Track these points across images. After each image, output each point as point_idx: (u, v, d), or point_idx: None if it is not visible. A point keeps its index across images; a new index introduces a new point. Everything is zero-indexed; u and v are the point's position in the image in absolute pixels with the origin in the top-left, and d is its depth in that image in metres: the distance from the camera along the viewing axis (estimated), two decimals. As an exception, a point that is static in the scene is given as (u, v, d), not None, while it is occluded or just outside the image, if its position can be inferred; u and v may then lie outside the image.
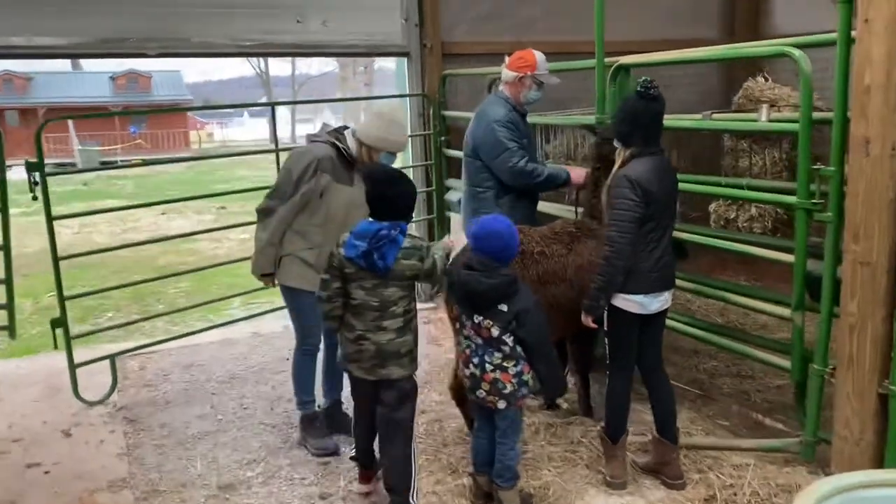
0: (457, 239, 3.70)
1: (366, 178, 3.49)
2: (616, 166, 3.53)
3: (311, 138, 4.12)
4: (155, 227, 13.51)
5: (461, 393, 4.07)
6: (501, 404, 3.37)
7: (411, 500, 3.47)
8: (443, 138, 6.80)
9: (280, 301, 6.04)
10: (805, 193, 3.47)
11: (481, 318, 3.32)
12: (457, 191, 6.57)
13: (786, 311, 3.88)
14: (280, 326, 6.48)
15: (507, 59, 4.48)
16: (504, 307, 3.27)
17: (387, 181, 3.39)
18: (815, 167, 3.39)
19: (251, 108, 60.66)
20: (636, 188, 3.32)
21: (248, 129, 55.13)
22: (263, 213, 4.06)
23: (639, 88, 3.43)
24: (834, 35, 3.31)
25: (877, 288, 3.18)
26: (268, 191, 4.11)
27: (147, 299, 7.94)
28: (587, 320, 3.52)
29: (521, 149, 4.41)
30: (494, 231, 3.31)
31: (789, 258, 3.65)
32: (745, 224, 4.21)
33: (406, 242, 3.30)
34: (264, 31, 6.12)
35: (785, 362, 3.82)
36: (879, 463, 3.35)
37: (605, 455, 3.79)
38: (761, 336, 5.12)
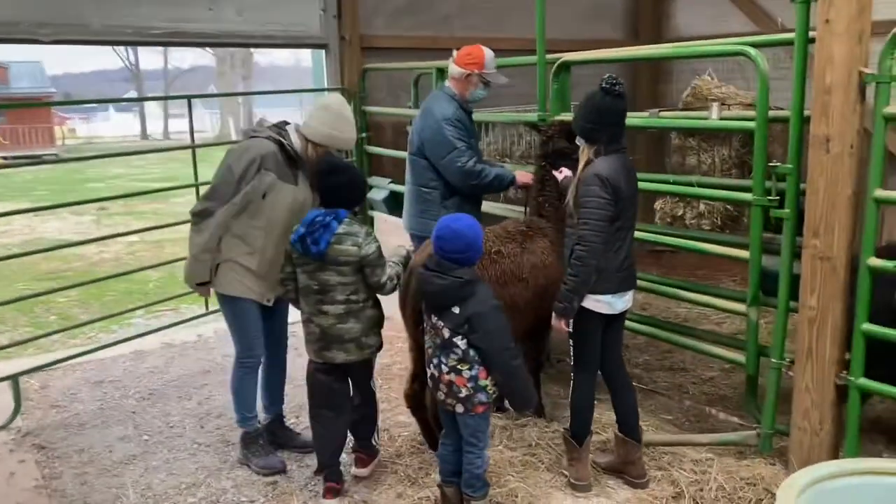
0: (383, 241, 3.66)
1: (312, 167, 3.67)
2: (581, 164, 3.46)
3: (251, 133, 3.81)
4: (28, 230, 12.43)
5: (416, 400, 3.93)
6: (459, 408, 3.26)
7: (373, 442, 3.83)
8: (364, 135, 6.58)
9: (191, 309, 5.65)
10: (761, 190, 3.53)
11: (436, 318, 3.24)
12: (380, 189, 6.38)
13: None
14: (193, 336, 6.09)
15: (455, 53, 4.33)
16: (456, 309, 3.16)
17: (328, 170, 3.53)
18: (771, 164, 3.45)
19: (116, 104, 57.59)
20: (607, 186, 3.27)
21: (114, 125, 52.30)
22: (199, 215, 3.71)
23: (604, 85, 3.36)
24: (790, 35, 3.37)
25: (837, 282, 3.28)
26: (204, 191, 3.79)
27: (36, 310, 7.23)
28: (559, 323, 3.43)
29: (470, 148, 4.28)
30: (457, 231, 3.19)
31: (744, 254, 3.70)
32: (692, 221, 4.28)
33: (341, 228, 3.40)
34: (173, 19, 5.69)
35: (737, 356, 3.89)
36: (836, 452, 3.47)
37: (569, 457, 3.72)
38: (690, 328, 5.26)
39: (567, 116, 4.33)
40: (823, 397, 3.40)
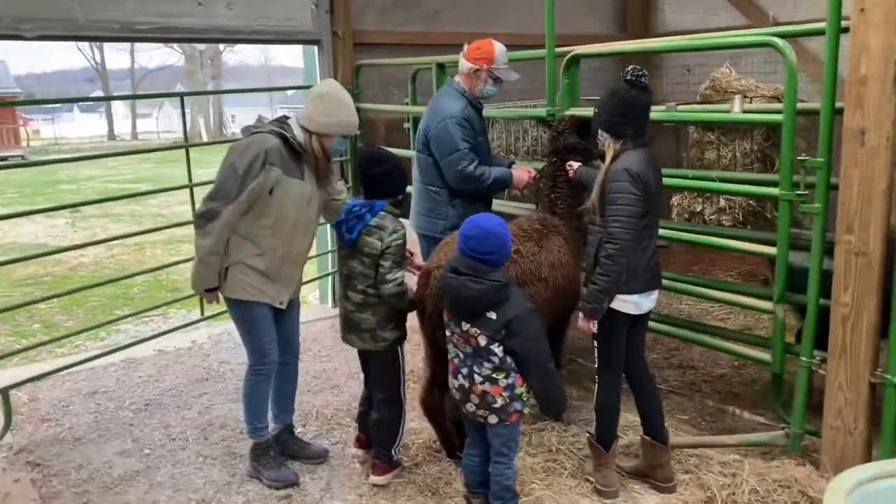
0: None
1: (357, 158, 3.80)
2: (608, 159, 3.34)
3: (252, 129, 3.63)
4: (1, 234, 12.00)
5: (433, 405, 3.78)
6: (492, 419, 3.11)
7: (393, 453, 3.72)
8: (358, 132, 6.40)
9: (180, 314, 5.41)
10: (788, 185, 3.44)
11: (469, 325, 3.05)
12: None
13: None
14: (187, 342, 5.88)
15: (465, 46, 4.18)
16: (493, 315, 3.00)
17: (368, 161, 3.60)
18: (800, 158, 3.36)
19: (81, 104, 56.76)
20: (638, 181, 3.15)
21: (79, 126, 51.46)
22: (204, 217, 3.50)
23: (629, 77, 3.26)
24: (821, 25, 3.28)
25: (872, 277, 3.20)
26: (207, 192, 3.59)
27: (17, 317, 6.93)
28: (587, 324, 3.31)
29: (473, 149, 4.13)
30: (489, 231, 3.03)
31: (771, 251, 3.61)
32: (712, 216, 4.19)
33: (373, 221, 3.48)
34: (161, 14, 5.46)
35: (763, 354, 3.81)
36: (870, 452, 3.40)
37: (596, 463, 3.60)
38: (704, 325, 5.18)
39: (577, 111, 4.22)
40: (858, 396, 3.32)
